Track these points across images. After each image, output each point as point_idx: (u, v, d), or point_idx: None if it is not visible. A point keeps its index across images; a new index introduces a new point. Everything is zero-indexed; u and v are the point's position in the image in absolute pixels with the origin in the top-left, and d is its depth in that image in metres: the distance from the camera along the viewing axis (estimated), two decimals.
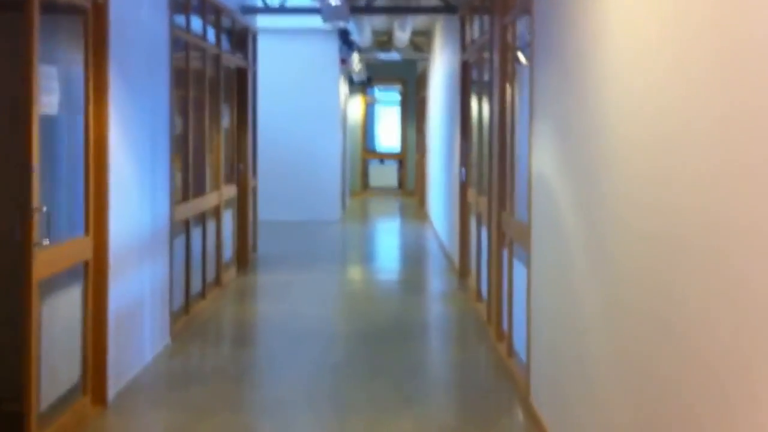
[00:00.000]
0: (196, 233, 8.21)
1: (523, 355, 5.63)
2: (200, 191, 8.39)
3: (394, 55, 17.21)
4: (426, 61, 17.62)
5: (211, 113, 8.92)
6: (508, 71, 6.51)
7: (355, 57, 15.99)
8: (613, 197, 3.24)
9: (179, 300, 7.56)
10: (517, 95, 6.11)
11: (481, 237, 8.10)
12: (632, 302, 3.04)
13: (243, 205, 10.97)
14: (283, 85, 16.10)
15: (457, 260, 10.13)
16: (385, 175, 23.65)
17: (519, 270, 5.93)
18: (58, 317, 4.92)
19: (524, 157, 5.70)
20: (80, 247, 5.11)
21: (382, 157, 23.96)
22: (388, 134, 24.14)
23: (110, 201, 5.37)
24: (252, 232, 11.50)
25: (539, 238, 4.93)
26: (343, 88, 18.36)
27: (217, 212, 9.15)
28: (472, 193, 8.95)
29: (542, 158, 4.87)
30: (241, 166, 10.37)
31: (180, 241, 7.63)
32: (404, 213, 19.02)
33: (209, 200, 8.65)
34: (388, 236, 15.27)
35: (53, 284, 4.76)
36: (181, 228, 7.66)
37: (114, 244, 5.48)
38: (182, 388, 5.92)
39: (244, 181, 10.93)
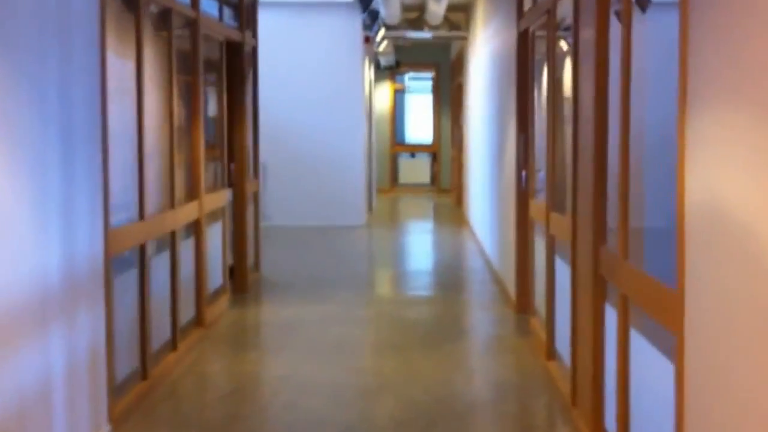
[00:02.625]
0: (159, 262, 5.99)
1: None
2: (166, 204, 6.15)
3: (425, 35, 14.91)
4: (464, 40, 15.30)
5: (184, 99, 6.67)
6: (609, 28, 4.22)
7: (381, 33, 13.68)
8: None
9: (129, 363, 5.33)
10: (633, 66, 3.80)
11: (555, 270, 5.79)
12: None
13: (239, 214, 8.73)
14: (295, 67, 13.83)
15: (512, 287, 7.84)
16: (416, 171, 21.33)
17: (646, 351, 3.63)
18: None
19: (657, 168, 3.41)
20: None
21: (413, 151, 21.63)
22: (420, 125, 21.81)
23: None
24: (253, 247, 9.27)
25: (716, 323, 2.62)
26: (368, 72, 16.09)
27: (197, 228, 6.91)
28: (536, 206, 6.63)
29: (722, 180, 2.57)
30: (233, 167, 8.11)
31: (129, 278, 5.40)
32: (439, 215, 16.70)
33: (182, 214, 6.41)
34: (421, 246, 12.95)
35: None
36: (130, 260, 5.43)
37: None
38: None
39: (240, 185, 8.68)
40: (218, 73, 7.88)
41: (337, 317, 7.56)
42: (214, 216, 7.69)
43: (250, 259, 9.14)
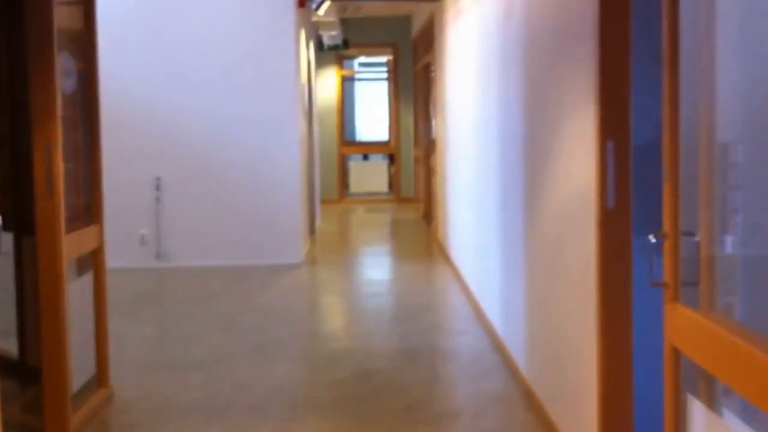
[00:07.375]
0: None
1: None
2: None
3: None
4: (435, 3, 11.25)
5: None
6: None
7: None
8: None
9: None
10: None
11: None
12: None
13: (50, 295, 4.62)
14: (196, 41, 9.72)
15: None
16: (370, 176, 17.28)
17: None
18: None
19: None
20: None
21: (367, 151, 17.58)
22: (374, 119, 17.76)
23: None
24: (92, 349, 5.17)
25: None
26: (307, 52, 12.01)
27: None
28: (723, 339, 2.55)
29: None
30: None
31: None
32: (404, 241, 12.62)
33: None
34: (385, 305, 8.66)
35: None
36: None
37: None
38: None
39: (50, 240, 4.58)
40: None
41: None
42: None
43: (87, 372, 5.05)
